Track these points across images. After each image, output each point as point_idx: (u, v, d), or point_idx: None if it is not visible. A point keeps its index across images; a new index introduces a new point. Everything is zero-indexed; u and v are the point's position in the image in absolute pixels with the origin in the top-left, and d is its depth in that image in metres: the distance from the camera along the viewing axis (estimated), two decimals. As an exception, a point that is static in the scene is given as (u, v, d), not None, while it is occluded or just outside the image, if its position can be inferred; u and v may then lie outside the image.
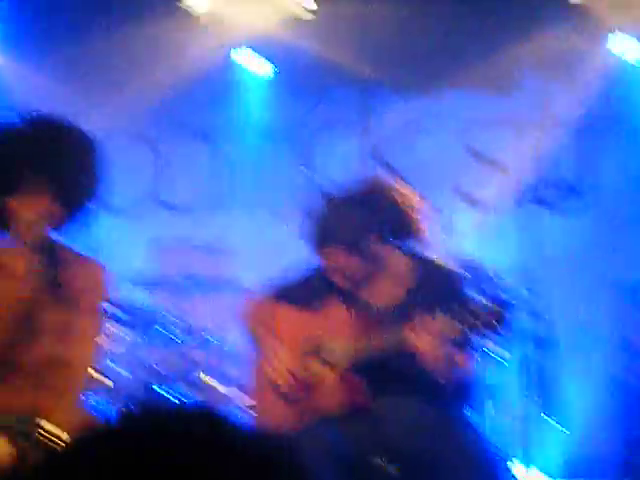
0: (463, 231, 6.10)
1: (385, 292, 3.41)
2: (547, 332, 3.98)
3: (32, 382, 3.07)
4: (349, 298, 3.40)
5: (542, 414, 4.07)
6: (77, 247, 3.34)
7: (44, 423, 2.92)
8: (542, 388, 3.99)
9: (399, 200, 3.43)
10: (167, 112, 6.97)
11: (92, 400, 4.53)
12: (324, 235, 3.33)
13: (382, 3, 6.09)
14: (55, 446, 2.88)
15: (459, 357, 3.26)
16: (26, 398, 3.05)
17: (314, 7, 6.25)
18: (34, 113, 3.11)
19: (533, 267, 3.98)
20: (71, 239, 3.31)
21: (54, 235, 3.19)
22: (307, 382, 3.39)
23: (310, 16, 6.21)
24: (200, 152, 7.06)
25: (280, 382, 3.40)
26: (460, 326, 3.00)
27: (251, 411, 3.55)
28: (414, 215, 3.44)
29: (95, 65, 6.59)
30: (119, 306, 5.09)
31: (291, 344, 3.46)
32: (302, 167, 5.07)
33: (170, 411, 0.81)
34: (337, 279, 3.35)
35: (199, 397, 5.20)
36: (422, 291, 3.35)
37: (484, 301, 3.05)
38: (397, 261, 3.44)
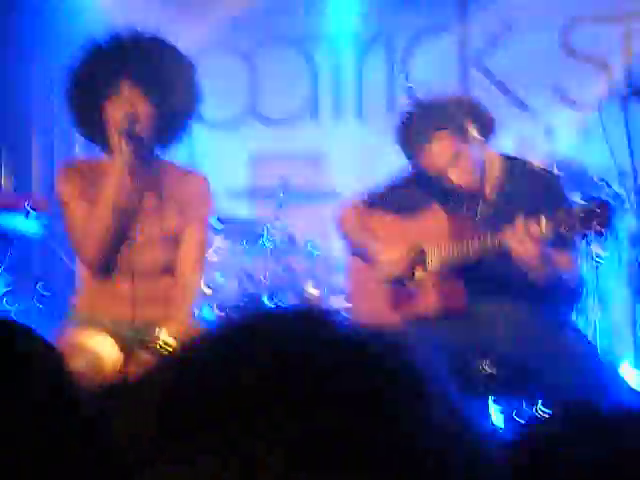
0: (563, 132, 5.96)
1: (482, 193, 3.39)
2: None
3: (145, 292, 3.16)
4: (447, 201, 3.39)
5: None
6: (178, 160, 3.41)
7: (162, 334, 3.01)
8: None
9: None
10: (260, 24, 6.95)
11: (203, 311, 4.67)
12: (423, 125, 3.28)
13: None
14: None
15: (561, 259, 3.22)
16: (139, 308, 3.14)
17: None
18: (130, 27, 3.16)
19: (634, 168, 3.87)
20: (172, 153, 3.39)
21: (156, 149, 3.27)
22: (408, 287, 3.42)
23: None
24: (295, 63, 7.03)
25: (384, 284, 3.44)
26: (561, 228, 2.96)
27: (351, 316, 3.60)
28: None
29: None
30: (222, 219, 5.19)
31: (390, 250, 3.49)
32: (402, 74, 4.99)
33: (269, 312, 0.82)
34: (436, 172, 3.31)
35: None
36: (519, 193, 3.31)
37: (585, 203, 3.00)
38: (493, 161, 3.40)
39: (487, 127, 3.34)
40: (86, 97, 3.09)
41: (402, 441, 0.70)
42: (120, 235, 3.07)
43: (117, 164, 2.99)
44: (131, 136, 2.99)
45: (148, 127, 3.06)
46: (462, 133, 3.24)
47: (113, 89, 3.03)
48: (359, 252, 3.57)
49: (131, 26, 3.14)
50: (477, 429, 0.77)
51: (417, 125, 3.28)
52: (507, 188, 3.32)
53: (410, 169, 3.53)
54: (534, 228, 2.96)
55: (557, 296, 3.23)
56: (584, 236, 2.98)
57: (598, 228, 2.91)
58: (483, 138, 3.31)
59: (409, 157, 3.39)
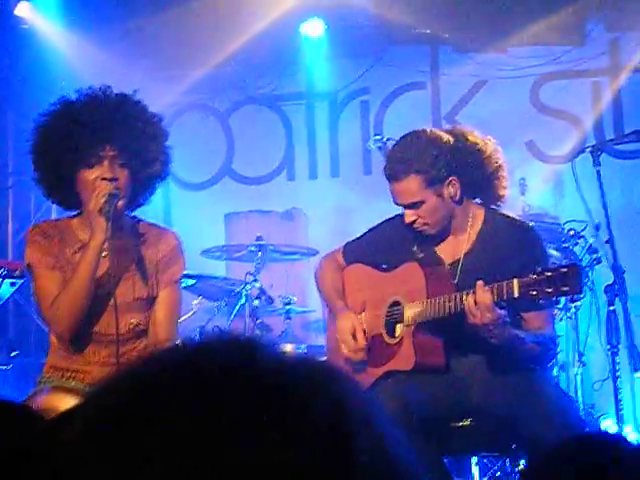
0: (537, 186, 6.02)
1: (458, 246, 3.38)
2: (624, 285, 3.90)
3: (119, 355, 3.12)
4: (424, 256, 3.38)
5: (634, 370, 3.98)
6: (152, 220, 3.39)
7: None
8: (631, 344, 3.91)
9: (483, 149, 3.36)
10: (235, 84, 7.01)
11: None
12: (407, 165, 3.26)
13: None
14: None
15: (534, 319, 3.21)
16: (112, 371, 3.09)
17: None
18: (103, 87, 3.14)
19: (609, 220, 3.90)
20: (145, 213, 3.37)
21: (128, 209, 3.24)
22: (384, 341, 3.40)
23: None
24: (271, 122, 7.08)
25: (356, 342, 3.42)
26: (532, 292, 2.95)
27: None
28: (495, 166, 3.37)
29: (158, 40, 6.65)
30: (198, 277, 5.16)
31: (367, 305, 3.47)
32: (377, 136, 5.02)
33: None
34: (416, 223, 3.28)
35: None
36: (497, 247, 3.30)
37: (555, 267, 2.99)
38: (474, 213, 3.38)
39: (474, 183, 3.33)
40: (61, 160, 3.02)
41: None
42: (95, 303, 3.03)
43: (96, 241, 2.93)
44: (111, 215, 2.95)
45: (126, 195, 3.03)
46: (436, 185, 3.23)
47: (94, 157, 2.96)
48: (334, 309, 3.56)
49: (108, 88, 3.11)
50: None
51: (395, 159, 3.28)
52: (487, 241, 3.31)
53: (387, 223, 3.53)
54: (487, 297, 2.96)
55: (529, 357, 3.21)
56: (559, 290, 2.96)
57: (568, 291, 2.91)
58: (459, 195, 3.30)
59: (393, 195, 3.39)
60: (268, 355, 0.74)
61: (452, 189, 3.28)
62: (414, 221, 3.31)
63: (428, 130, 3.39)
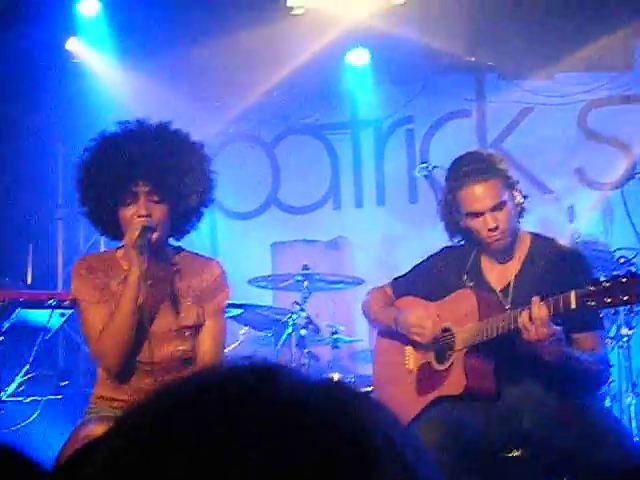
0: (585, 213, 5.95)
1: (507, 272, 3.35)
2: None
3: (157, 382, 3.12)
4: (474, 284, 3.36)
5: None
6: (196, 250, 3.40)
7: None
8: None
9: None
10: (280, 113, 7.05)
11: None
12: (476, 167, 3.25)
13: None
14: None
15: (586, 341, 3.16)
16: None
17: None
18: (140, 119, 3.17)
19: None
20: (192, 242, 3.38)
21: (174, 238, 3.26)
22: (433, 369, 3.37)
23: (409, 2, 6.11)
24: (316, 151, 7.11)
25: (412, 368, 3.39)
26: (589, 301, 2.90)
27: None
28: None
29: (205, 71, 6.72)
30: (243, 306, 5.16)
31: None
32: (423, 164, 5.01)
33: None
34: (497, 230, 3.25)
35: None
36: (546, 272, 3.27)
37: (612, 275, 2.94)
38: (521, 237, 3.37)
39: (522, 203, 3.35)
40: (101, 197, 3.07)
41: None
42: (139, 333, 3.05)
43: (134, 275, 2.98)
44: (146, 248, 2.99)
45: (163, 228, 3.05)
46: (510, 191, 3.25)
47: (129, 194, 3.02)
48: (386, 329, 3.53)
49: (145, 120, 3.14)
50: None
51: (471, 166, 3.25)
52: (535, 265, 3.28)
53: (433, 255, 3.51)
54: (543, 311, 2.91)
55: (583, 377, 3.15)
56: (615, 312, 2.90)
57: (628, 300, 2.85)
58: (521, 209, 3.31)
59: (452, 197, 3.33)
60: (289, 377, 0.74)
61: (519, 196, 3.30)
62: (496, 227, 3.25)
63: (482, 149, 3.42)
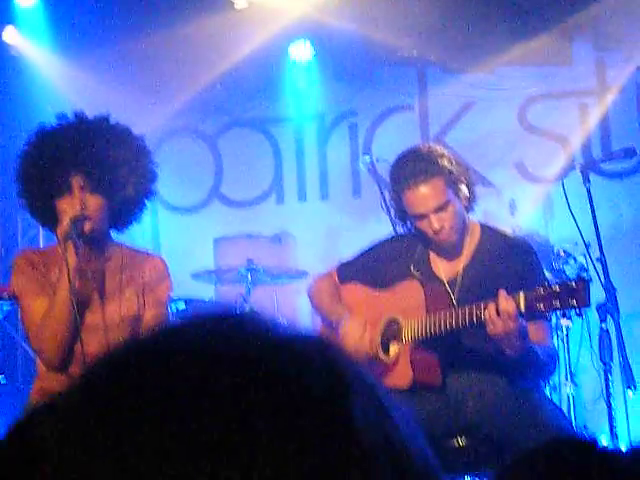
0: (527, 206, 6.02)
1: (456, 264, 3.36)
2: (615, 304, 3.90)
3: None
4: (421, 275, 3.36)
5: (627, 388, 3.96)
6: (138, 243, 3.39)
7: None
8: (624, 361, 3.89)
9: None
10: (223, 107, 7.02)
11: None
12: (420, 167, 3.20)
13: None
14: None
15: (536, 333, 3.19)
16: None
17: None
18: (78, 112, 3.16)
19: (600, 238, 3.90)
20: (133, 236, 3.36)
21: (114, 232, 3.24)
22: (380, 359, 3.37)
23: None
24: (256, 143, 7.08)
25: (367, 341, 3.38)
26: (540, 305, 2.93)
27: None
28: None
29: (146, 64, 6.65)
30: (187, 300, 5.14)
31: (354, 323, 3.42)
32: (366, 156, 5.03)
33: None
34: (443, 230, 3.22)
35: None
36: (496, 264, 3.29)
37: (563, 280, 2.99)
38: (471, 228, 3.37)
39: (472, 194, 3.32)
40: (39, 190, 3.06)
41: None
42: (78, 325, 3.02)
43: (67, 266, 2.95)
44: (78, 238, 2.97)
45: (99, 219, 3.03)
46: (455, 187, 3.22)
47: (64, 186, 3.01)
48: (328, 323, 3.51)
49: (84, 113, 3.12)
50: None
51: (413, 166, 3.21)
52: (484, 258, 3.30)
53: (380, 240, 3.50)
54: (511, 305, 2.93)
55: (532, 369, 3.19)
56: (563, 314, 2.94)
57: (576, 304, 2.89)
58: (467, 203, 3.29)
59: (397, 198, 3.30)
60: (258, 325, 0.71)
61: (465, 189, 3.27)
62: (440, 228, 3.24)
63: (424, 144, 3.40)
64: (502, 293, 2.98)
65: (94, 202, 3.05)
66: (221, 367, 0.66)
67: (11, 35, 6.47)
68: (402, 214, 3.40)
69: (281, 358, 0.67)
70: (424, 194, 3.22)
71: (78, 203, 3.02)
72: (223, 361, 0.66)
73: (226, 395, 0.64)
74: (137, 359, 0.69)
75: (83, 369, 0.72)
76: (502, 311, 2.95)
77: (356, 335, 3.34)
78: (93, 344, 3.09)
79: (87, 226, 3.03)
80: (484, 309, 3.01)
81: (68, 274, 2.97)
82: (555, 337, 5.07)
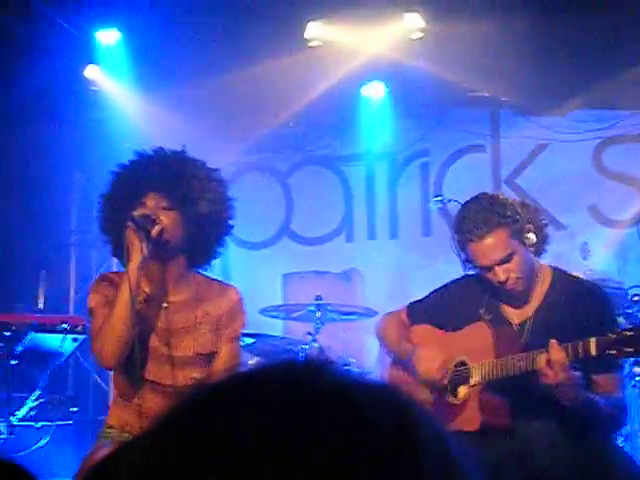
0: (599, 250, 5.93)
1: (526, 306, 3.32)
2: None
3: None
4: (491, 317, 3.33)
5: None
6: (213, 276, 3.42)
7: None
8: None
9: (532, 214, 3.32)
10: (295, 145, 7.09)
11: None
12: (482, 218, 3.16)
13: (503, 20, 5.98)
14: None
15: (604, 382, 3.13)
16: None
17: (425, 26, 6.11)
18: (156, 148, 3.22)
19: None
20: (206, 269, 3.40)
21: (191, 265, 3.28)
22: (448, 402, 3.34)
23: (426, 37, 6.12)
24: (327, 181, 7.12)
25: (425, 399, 3.36)
26: (611, 351, 2.88)
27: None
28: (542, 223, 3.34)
29: (221, 100, 6.75)
30: (256, 335, 5.15)
31: (430, 357, 3.39)
32: (438, 197, 5.02)
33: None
34: (509, 280, 3.19)
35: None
36: (567, 308, 3.24)
37: (625, 322, 2.93)
38: (543, 272, 3.33)
39: (543, 236, 3.29)
40: (113, 209, 3.13)
41: None
42: (160, 355, 3.06)
43: (133, 262, 2.98)
44: (143, 231, 2.99)
45: (173, 235, 3.05)
46: (520, 236, 3.19)
47: (137, 203, 3.05)
48: (398, 361, 3.50)
49: (162, 148, 3.18)
50: None
51: (476, 217, 3.19)
52: (555, 302, 3.26)
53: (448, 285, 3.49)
54: (561, 356, 2.88)
55: (600, 420, 3.12)
56: (636, 361, 2.88)
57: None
58: (537, 247, 3.26)
59: (462, 249, 3.29)
60: (333, 372, 0.72)
61: (532, 236, 3.23)
62: (506, 279, 3.19)
63: (488, 192, 3.37)
64: (553, 343, 2.93)
65: (168, 217, 3.08)
66: (294, 412, 0.67)
67: (93, 72, 6.64)
68: (469, 262, 3.38)
69: (356, 399, 0.69)
70: (488, 247, 3.17)
71: (148, 209, 3.07)
72: (297, 406, 0.68)
73: (297, 438, 0.65)
74: (217, 407, 0.69)
75: (166, 409, 0.73)
76: (553, 361, 2.91)
77: (430, 362, 3.33)
78: (160, 375, 3.12)
79: (155, 229, 3.05)
80: (538, 357, 2.97)
81: (134, 270, 2.98)
82: (629, 385, 4.96)
